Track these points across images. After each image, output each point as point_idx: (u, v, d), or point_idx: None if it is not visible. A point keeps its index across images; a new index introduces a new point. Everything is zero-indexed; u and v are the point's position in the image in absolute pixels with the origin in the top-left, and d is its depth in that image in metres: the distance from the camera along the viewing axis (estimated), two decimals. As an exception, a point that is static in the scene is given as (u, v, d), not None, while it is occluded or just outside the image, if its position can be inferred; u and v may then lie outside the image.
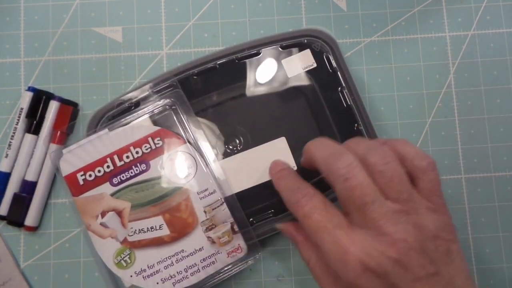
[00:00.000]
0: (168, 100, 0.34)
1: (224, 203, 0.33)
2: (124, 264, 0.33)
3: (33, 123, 0.37)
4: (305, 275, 0.37)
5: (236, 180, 0.34)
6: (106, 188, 0.33)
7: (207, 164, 0.34)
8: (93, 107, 0.37)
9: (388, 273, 0.25)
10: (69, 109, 0.38)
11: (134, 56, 0.39)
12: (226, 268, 0.33)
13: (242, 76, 0.36)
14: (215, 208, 0.33)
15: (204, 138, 0.34)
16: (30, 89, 0.37)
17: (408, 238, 0.25)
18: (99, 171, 0.33)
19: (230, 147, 0.35)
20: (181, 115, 0.34)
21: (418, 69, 0.39)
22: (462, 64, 0.40)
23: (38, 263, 0.37)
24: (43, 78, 0.39)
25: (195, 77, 0.36)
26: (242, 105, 0.35)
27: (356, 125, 0.35)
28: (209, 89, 0.36)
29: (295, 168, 0.35)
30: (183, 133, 0.34)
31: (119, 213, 0.33)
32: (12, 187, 0.37)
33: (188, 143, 0.34)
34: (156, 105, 0.34)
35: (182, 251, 0.33)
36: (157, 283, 0.32)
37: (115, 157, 0.33)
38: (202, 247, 0.32)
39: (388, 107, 0.39)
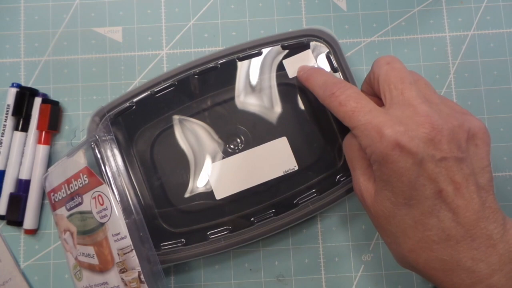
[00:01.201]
0: (93, 137, 0.33)
1: (133, 251, 0.32)
2: (78, 278, 0.35)
3: (20, 121, 0.37)
4: (305, 275, 0.37)
5: (237, 179, 0.34)
6: (64, 211, 0.35)
7: (128, 207, 0.33)
8: (93, 107, 0.37)
9: (419, 147, 0.26)
10: (48, 107, 0.37)
11: (134, 56, 0.39)
12: None
13: (243, 76, 0.36)
14: (126, 253, 0.32)
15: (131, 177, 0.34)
16: (14, 85, 0.37)
17: (441, 122, 0.27)
18: (59, 194, 0.35)
19: (231, 146, 0.35)
20: (105, 153, 0.33)
21: (418, 69, 0.39)
22: (462, 64, 0.40)
23: (38, 263, 0.37)
24: (43, 78, 0.39)
25: (196, 76, 0.36)
26: (243, 104, 0.35)
27: (356, 125, 0.35)
28: (210, 89, 0.36)
29: (296, 168, 0.35)
30: (104, 173, 0.33)
31: (72, 235, 0.35)
32: (8, 187, 0.37)
33: (106, 185, 0.33)
34: (89, 139, 0.34)
35: (106, 283, 0.33)
36: None
37: (66, 185, 0.34)
38: (118, 286, 0.33)
39: (388, 107, 0.39)
